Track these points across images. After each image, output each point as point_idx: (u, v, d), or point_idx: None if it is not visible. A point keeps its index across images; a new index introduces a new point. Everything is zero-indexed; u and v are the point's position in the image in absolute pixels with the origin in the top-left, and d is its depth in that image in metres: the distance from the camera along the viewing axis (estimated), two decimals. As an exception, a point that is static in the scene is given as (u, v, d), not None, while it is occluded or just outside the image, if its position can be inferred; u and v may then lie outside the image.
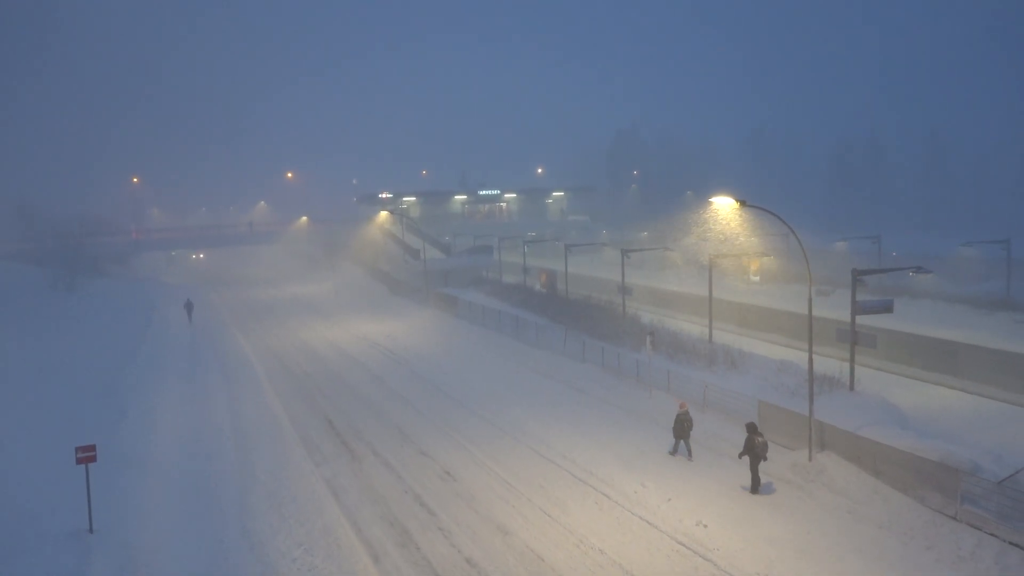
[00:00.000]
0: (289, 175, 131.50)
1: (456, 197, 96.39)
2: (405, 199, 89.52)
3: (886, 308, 22.88)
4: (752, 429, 18.31)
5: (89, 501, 16.14)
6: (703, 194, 28.68)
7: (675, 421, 20.47)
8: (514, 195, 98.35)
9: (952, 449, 16.57)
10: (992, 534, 14.40)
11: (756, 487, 18.07)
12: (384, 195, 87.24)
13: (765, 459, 18.15)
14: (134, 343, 39.16)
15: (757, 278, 48.87)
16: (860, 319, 22.37)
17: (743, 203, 19.50)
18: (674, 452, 20.76)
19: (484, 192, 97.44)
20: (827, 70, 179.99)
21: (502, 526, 16.85)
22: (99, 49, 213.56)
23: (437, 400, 28.13)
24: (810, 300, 19.75)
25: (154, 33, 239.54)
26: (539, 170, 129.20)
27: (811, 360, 19.68)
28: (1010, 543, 14.06)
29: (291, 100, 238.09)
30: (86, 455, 16.15)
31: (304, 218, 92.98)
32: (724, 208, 22.78)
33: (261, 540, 16.39)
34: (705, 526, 16.27)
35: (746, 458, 18.46)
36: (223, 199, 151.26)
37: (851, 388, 22.43)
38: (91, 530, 16.04)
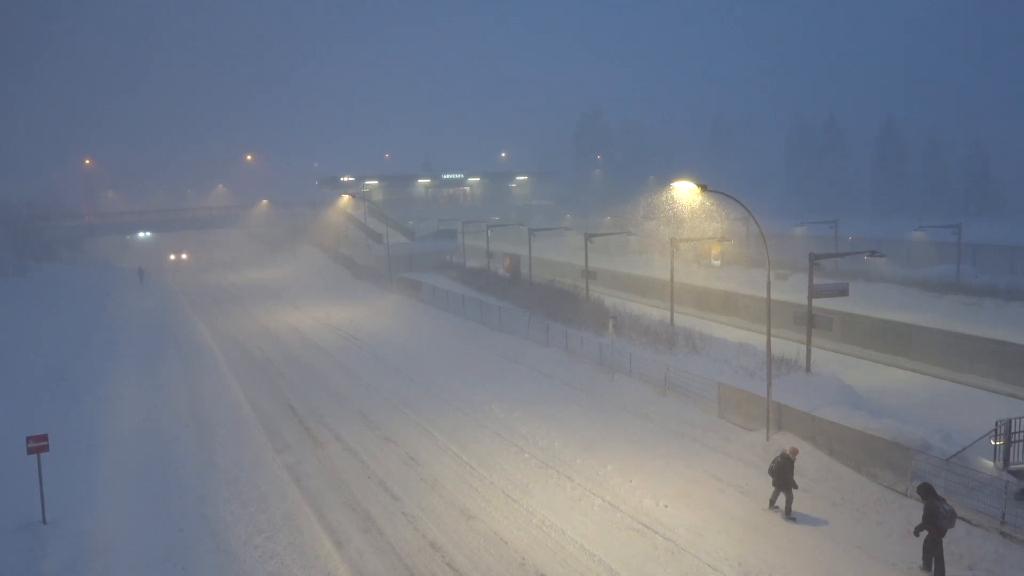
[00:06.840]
0: (249, 158, 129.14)
1: (420, 181, 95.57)
2: (368, 183, 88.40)
3: (841, 292, 23.49)
4: (930, 492, 13.45)
5: (42, 492, 15.76)
6: (666, 179, 28.89)
7: (775, 465, 15.99)
8: (478, 179, 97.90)
9: (903, 428, 17.12)
10: (940, 509, 14.89)
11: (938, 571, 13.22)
12: (346, 178, 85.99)
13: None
14: (88, 329, 38.23)
15: (718, 262, 49.50)
16: (817, 302, 22.89)
17: (704, 188, 19.71)
18: (775, 505, 16.23)
19: (448, 176, 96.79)
20: (789, 57, 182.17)
21: (466, 510, 16.91)
22: (52, 31, 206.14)
23: (401, 385, 28.02)
24: (768, 284, 20.09)
25: (108, 14, 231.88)
26: (503, 154, 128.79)
27: (769, 343, 20.05)
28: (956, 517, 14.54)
29: (251, 83, 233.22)
30: (38, 445, 15.76)
31: (265, 201, 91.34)
32: (686, 193, 22.97)
33: (222, 528, 16.21)
34: (665, 506, 16.55)
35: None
36: (181, 182, 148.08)
37: (808, 370, 22.98)
38: (44, 521, 15.69)
